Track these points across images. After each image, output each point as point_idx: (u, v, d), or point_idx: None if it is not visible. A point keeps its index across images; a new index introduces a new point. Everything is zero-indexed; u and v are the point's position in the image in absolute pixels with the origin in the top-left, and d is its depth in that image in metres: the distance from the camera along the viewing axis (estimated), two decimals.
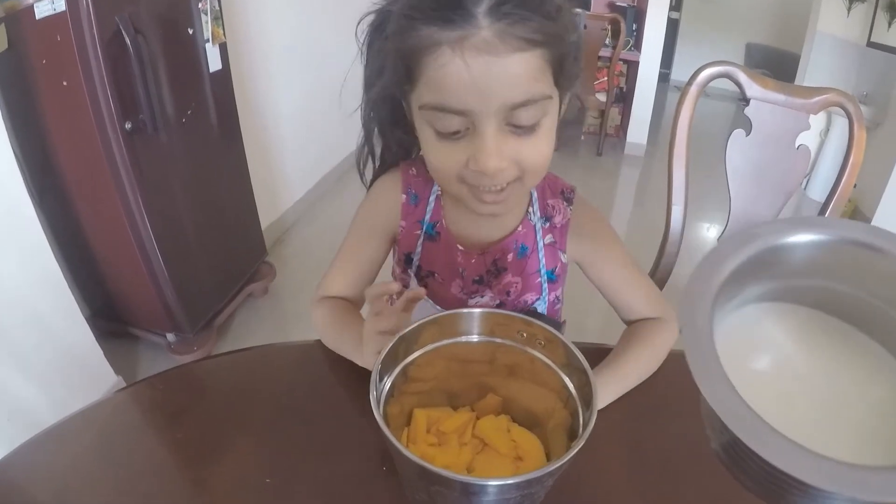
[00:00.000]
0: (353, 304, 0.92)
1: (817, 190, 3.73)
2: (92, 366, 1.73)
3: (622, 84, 4.48)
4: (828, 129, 3.70)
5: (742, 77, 1.16)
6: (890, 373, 0.42)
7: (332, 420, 0.74)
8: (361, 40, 0.77)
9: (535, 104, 0.65)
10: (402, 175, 0.91)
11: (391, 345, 0.62)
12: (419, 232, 0.92)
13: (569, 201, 0.89)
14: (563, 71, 0.67)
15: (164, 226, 1.80)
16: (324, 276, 0.93)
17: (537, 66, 0.64)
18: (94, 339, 1.74)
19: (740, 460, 0.38)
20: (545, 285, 0.91)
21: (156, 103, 1.64)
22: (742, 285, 0.44)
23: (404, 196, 0.91)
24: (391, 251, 0.98)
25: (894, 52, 3.28)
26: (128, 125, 1.60)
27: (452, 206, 0.90)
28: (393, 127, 0.85)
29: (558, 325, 0.95)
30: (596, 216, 0.92)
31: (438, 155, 0.71)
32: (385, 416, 0.58)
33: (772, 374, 0.43)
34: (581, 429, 0.57)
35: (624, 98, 4.51)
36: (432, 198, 0.90)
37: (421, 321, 0.65)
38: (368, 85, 0.79)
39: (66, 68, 1.52)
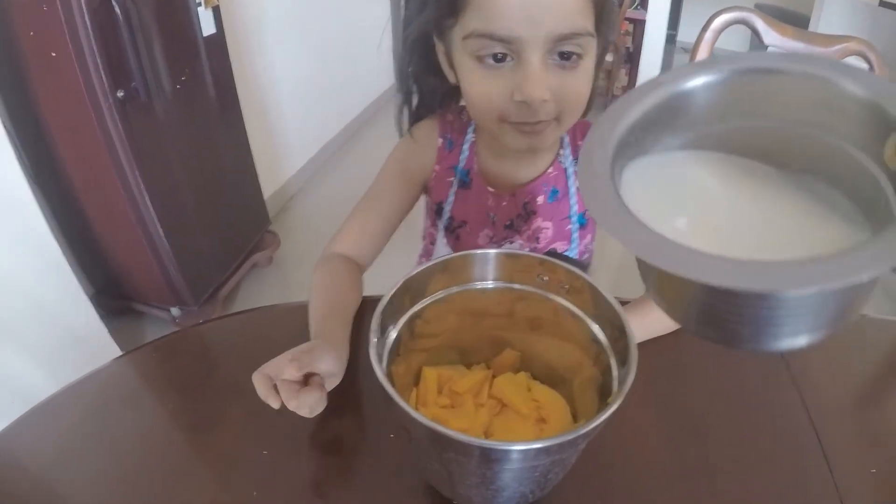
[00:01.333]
0: (362, 267, 0.89)
1: None
2: (97, 345, 1.71)
3: (629, 44, 4.38)
4: None
5: (759, 24, 1.10)
6: (830, 212, 0.38)
7: (347, 376, 0.69)
8: None
9: (580, 38, 0.66)
10: (438, 121, 0.91)
11: (392, 293, 0.56)
12: (452, 179, 0.91)
13: None
14: (603, 15, 0.68)
15: (162, 197, 1.77)
16: (340, 228, 0.90)
17: (583, 1, 0.65)
18: (98, 317, 1.71)
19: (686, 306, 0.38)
20: (576, 233, 0.90)
21: (148, 70, 1.59)
22: (655, 135, 0.42)
23: (441, 140, 0.91)
24: (418, 203, 0.96)
25: None
26: (120, 94, 1.55)
27: (485, 150, 0.90)
28: (426, 73, 0.83)
29: (584, 269, 0.91)
30: None
31: (481, 87, 0.71)
32: (389, 377, 0.52)
33: (701, 223, 0.39)
34: (616, 384, 0.52)
35: (631, 58, 4.41)
36: (466, 145, 0.90)
37: (427, 265, 0.59)
38: (407, 23, 0.79)
39: (54, 39, 1.47)
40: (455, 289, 0.61)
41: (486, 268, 0.61)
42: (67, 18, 1.43)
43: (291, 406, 0.58)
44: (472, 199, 0.91)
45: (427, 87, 0.87)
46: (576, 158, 0.87)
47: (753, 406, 0.69)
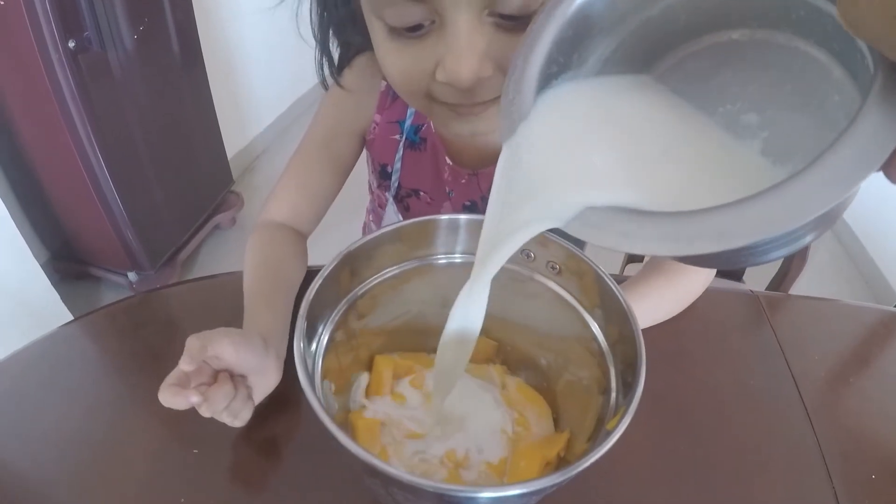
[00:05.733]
0: (303, 233, 0.78)
1: None
2: (49, 313, 1.66)
3: None
4: None
5: None
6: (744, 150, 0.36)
7: (288, 362, 0.64)
8: None
9: None
10: None
11: (329, 270, 0.46)
12: (398, 136, 0.76)
13: None
14: None
15: (117, 155, 1.71)
16: (273, 192, 0.78)
17: None
18: (49, 284, 1.67)
19: None
20: None
21: (102, 18, 1.52)
22: (582, 49, 0.40)
23: (384, 83, 0.75)
24: (365, 156, 0.83)
25: None
26: (71, 44, 1.48)
27: None
28: (347, 26, 0.67)
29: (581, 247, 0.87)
30: None
31: (396, 62, 0.54)
32: (324, 372, 0.45)
33: (619, 159, 0.37)
34: (614, 392, 0.44)
35: None
36: None
37: (376, 233, 0.49)
38: None
39: None
40: (414, 263, 0.52)
41: (455, 237, 0.51)
42: None
43: (203, 410, 0.50)
44: (426, 163, 0.77)
45: (355, 43, 0.71)
46: None
47: (751, 403, 0.68)
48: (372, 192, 0.89)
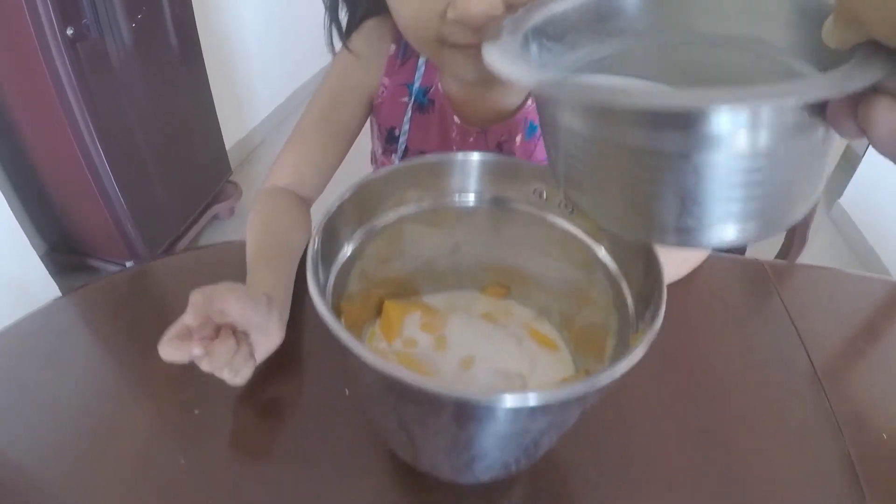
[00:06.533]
0: (307, 200, 0.78)
1: None
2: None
3: None
4: None
5: None
6: None
7: (291, 327, 0.64)
8: None
9: None
10: (392, 22, 0.70)
11: (341, 203, 0.45)
12: (406, 99, 0.77)
13: None
14: None
15: (116, 145, 1.71)
16: (277, 158, 0.78)
17: None
18: (48, 275, 1.67)
19: None
20: None
21: (101, 4, 1.52)
22: (575, 36, 0.42)
23: (394, 47, 0.76)
24: (370, 125, 0.83)
25: None
26: (70, 31, 1.48)
27: None
28: None
29: None
30: None
31: (407, 8, 0.57)
32: (337, 314, 0.43)
33: None
34: (632, 327, 0.42)
35: None
36: (423, 59, 0.75)
37: (389, 168, 0.48)
38: None
39: None
40: (426, 202, 0.50)
41: (468, 177, 0.50)
42: None
43: (204, 364, 0.50)
44: (432, 127, 0.78)
45: (358, 4, 0.73)
46: None
47: (761, 367, 0.68)
48: (375, 162, 0.88)
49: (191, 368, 0.50)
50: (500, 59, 0.35)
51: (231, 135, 2.44)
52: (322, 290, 0.42)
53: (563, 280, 0.52)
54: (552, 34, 0.40)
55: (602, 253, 0.48)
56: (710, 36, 0.40)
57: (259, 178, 2.55)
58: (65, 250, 1.97)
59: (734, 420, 0.61)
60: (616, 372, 0.34)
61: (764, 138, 0.29)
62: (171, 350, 0.49)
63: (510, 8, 0.51)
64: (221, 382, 0.53)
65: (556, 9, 0.40)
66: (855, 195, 2.41)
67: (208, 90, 2.15)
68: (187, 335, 0.50)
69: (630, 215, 0.34)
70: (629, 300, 0.45)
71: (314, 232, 0.43)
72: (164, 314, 0.65)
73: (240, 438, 0.57)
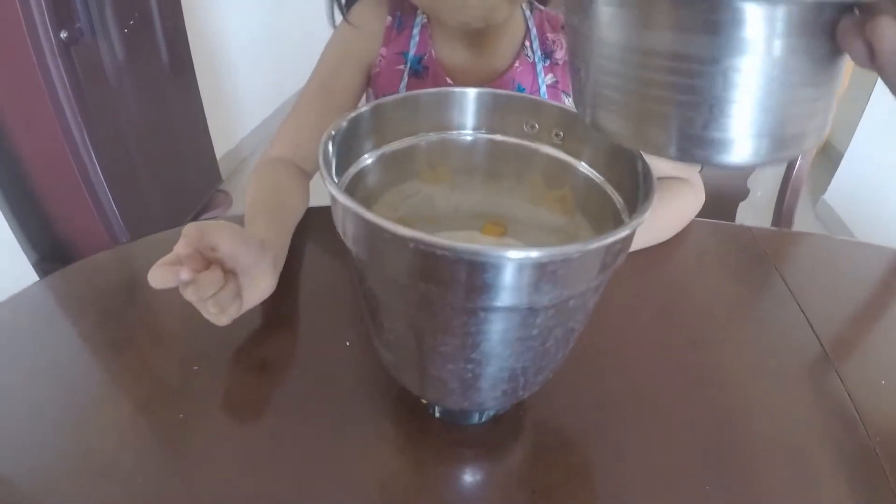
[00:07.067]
0: (305, 173, 0.80)
1: None
2: None
3: None
4: None
5: None
6: None
7: (289, 284, 0.64)
8: None
9: None
10: None
11: (354, 115, 0.46)
12: (402, 66, 0.82)
13: None
14: None
15: (108, 153, 1.72)
16: (278, 131, 0.81)
17: None
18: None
19: None
20: None
21: (94, 9, 1.54)
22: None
23: (390, 19, 0.81)
24: (366, 94, 0.87)
25: None
26: (63, 34, 1.50)
27: (439, 34, 0.81)
28: None
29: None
30: None
31: None
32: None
33: None
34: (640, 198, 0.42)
35: None
36: (417, 28, 0.80)
37: (378, 102, 0.49)
38: None
39: None
40: (424, 136, 0.51)
41: (465, 111, 0.51)
42: None
43: (188, 294, 0.49)
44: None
45: None
46: (544, 52, 0.80)
47: (756, 318, 0.71)
48: None
49: (190, 326, 0.50)
50: None
51: (221, 145, 2.45)
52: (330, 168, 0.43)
53: (561, 214, 0.53)
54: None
55: (595, 175, 0.49)
56: None
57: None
58: (54, 259, 1.94)
59: (731, 363, 0.63)
60: (620, 233, 0.36)
61: (781, 45, 0.30)
62: (159, 274, 0.48)
63: None
64: (220, 339, 0.53)
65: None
66: (839, 190, 2.46)
67: (199, 100, 2.16)
68: (178, 264, 0.49)
69: (657, 131, 0.36)
70: (618, 203, 0.47)
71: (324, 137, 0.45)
72: (141, 292, 0.66)
73: (238, 393, 0.57)
